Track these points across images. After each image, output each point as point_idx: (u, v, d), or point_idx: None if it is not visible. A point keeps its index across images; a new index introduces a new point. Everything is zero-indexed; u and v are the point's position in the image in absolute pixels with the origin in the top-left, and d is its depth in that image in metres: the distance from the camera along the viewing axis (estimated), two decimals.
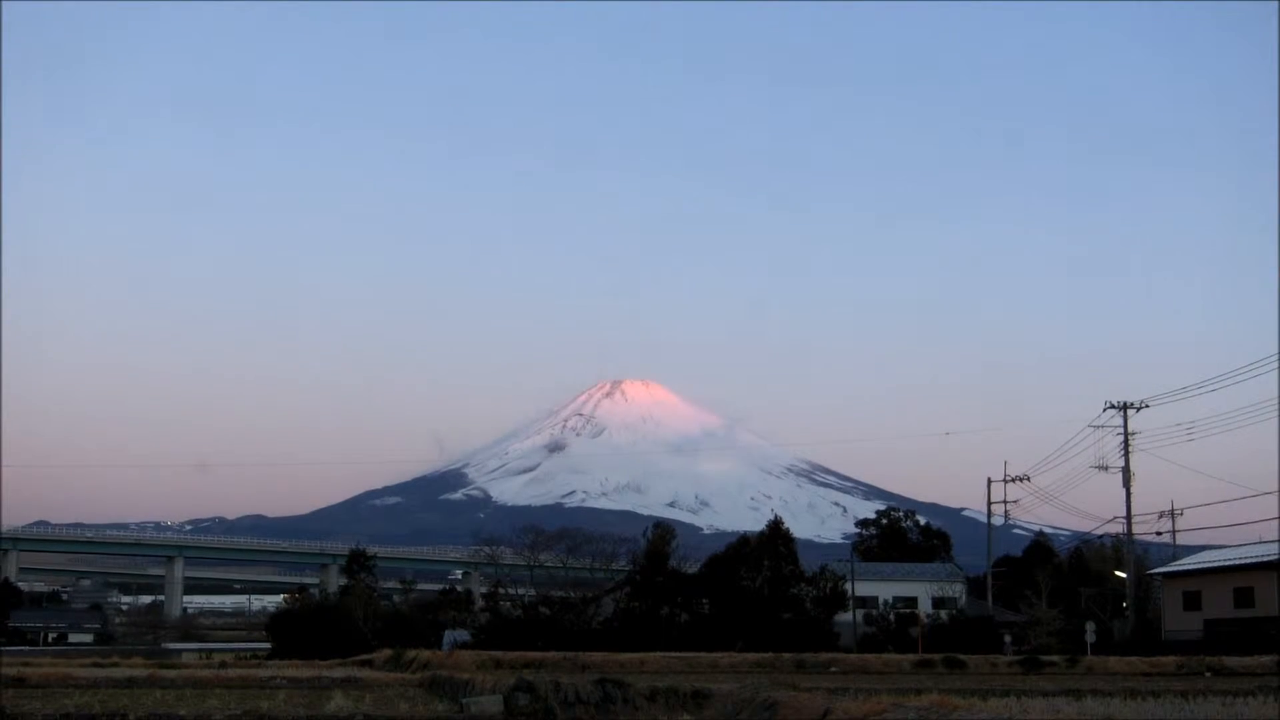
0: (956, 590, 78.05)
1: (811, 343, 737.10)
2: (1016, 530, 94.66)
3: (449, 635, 65.52)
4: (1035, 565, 76.30)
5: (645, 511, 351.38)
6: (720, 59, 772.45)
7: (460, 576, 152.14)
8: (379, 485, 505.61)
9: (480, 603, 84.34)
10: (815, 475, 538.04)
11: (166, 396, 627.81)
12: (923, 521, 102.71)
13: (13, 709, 22.69)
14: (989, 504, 77.12)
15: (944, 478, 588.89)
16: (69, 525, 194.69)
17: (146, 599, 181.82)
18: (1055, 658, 46.38)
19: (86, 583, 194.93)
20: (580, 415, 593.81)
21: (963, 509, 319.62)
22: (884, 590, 77.07)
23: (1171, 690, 25.28)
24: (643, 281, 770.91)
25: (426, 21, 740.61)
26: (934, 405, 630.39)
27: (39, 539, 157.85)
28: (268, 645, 76.85)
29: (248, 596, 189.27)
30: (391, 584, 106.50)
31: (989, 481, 77.41)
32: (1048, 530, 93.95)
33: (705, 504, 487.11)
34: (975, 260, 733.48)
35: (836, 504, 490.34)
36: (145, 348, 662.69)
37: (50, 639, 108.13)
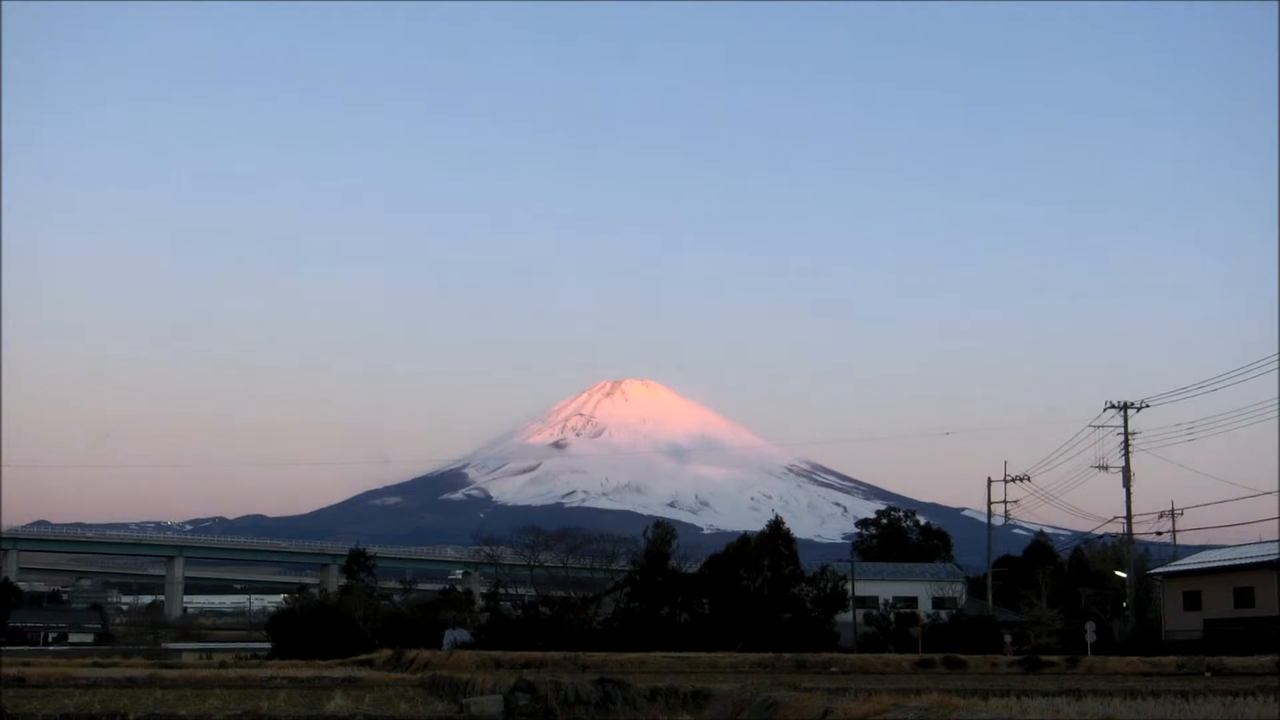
0: (956, 590, 78.05)
1: (813, 343, 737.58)
2: (1017, 530, 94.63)
3: (449, 635, 65.54)
4: (1035, 565, 76.27)
5: (645, 511, 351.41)
6: (717, 62, 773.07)
7: (460, 576, 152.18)
8: (379, 485, 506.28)
9: (480, 603, 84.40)
10: (815, 475, 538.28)
11: (166, 397, 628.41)
12: (923, 521, 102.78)
13: (13, 709, 22.69)
14: (989, 504, 77.12)
15: (944, 478, 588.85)
16: (69, 525, 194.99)
17: (146, 599, 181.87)
18: (1055, 658, 46.39)
19: (86, 583, 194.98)
20: (580, 415, 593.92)
21: (963, 509, 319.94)
22: (884, 590, 77.08)
23: (1171, 690, 25.27)
24: (643, 281, 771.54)
25: (423, 20, 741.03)
26: (934, 405, 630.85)
27: (39, 539, 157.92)
28: (268, 645, 76.87)
29: (248, 596, 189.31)
30: (391, 584, 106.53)
31: (989, 481, 77.44)
32: (1048, 530, 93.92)
33: (705, 504, 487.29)
34: (975, 260, 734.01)
35: (836, 504, 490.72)
36: (146, 347, 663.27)
37: (50, 639, 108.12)
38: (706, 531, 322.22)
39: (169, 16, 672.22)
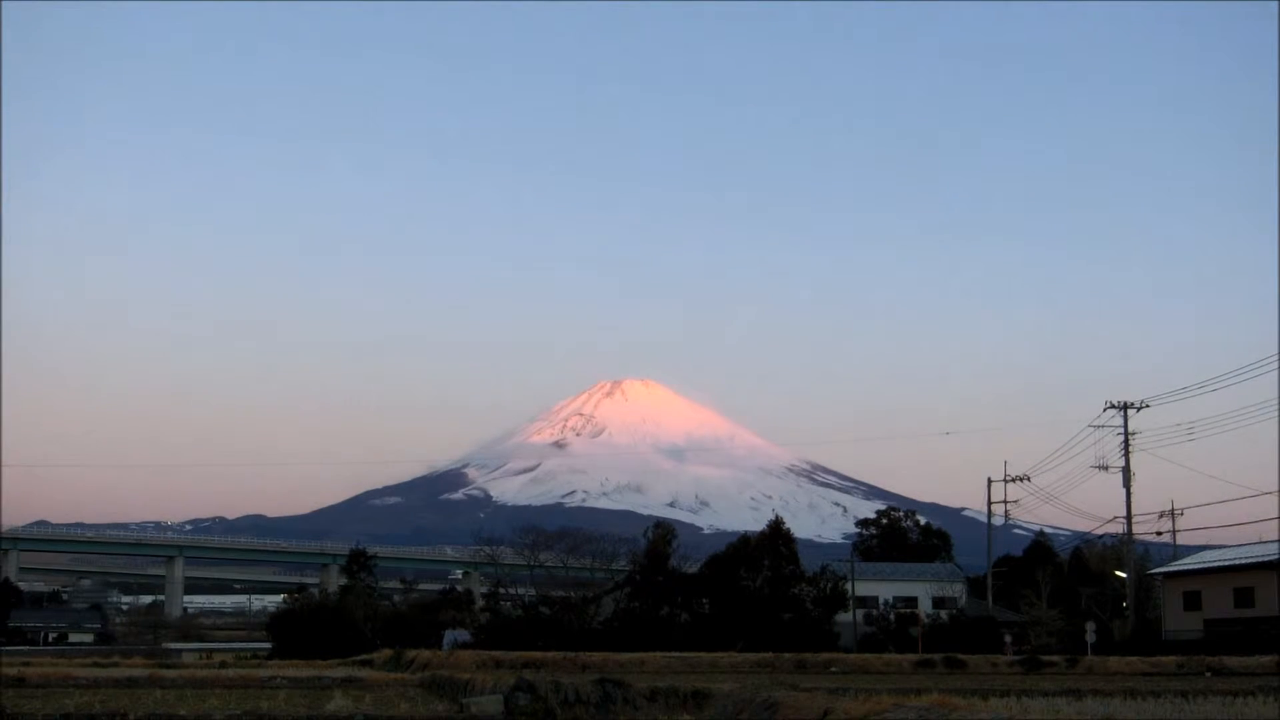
0: (957, 590, 78.05)
1: (812, 343, 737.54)
2: (1017, 530, 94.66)
3: (449, 635, 65.51)
4: (1035, 565, 76.30)
5: (645, 511, 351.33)
6: (715, 59, 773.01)
7: (460, 576, 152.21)
8: (379, 485, 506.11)
9: (480, 603, 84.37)
10: (815, 475, 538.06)
11: (167, 396, 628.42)
12: (923, 521, 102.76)
13: (13, 709, 22.68)
14: (989, 504, 77.13)
15: (944, 478, 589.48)
16: (69, 525, 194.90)
17: (146, 599, 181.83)
18: (1055, 658, 46.38)
19: (86, 583, 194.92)
20: (580, 415, 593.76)
21: (963, 509, 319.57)
22: (884, 590, 77.07)
23: (1171, 690, 25.28)
24: (643, 281, 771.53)
25: (419, 17, 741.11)
26: (934, 405, 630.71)
27: (39, 539, 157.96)
28: (268, 645, 76.85)
29: (248, 596, 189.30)
30: (391, 584, 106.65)
31: (989, 481, 77.47)
32: (1048, 530, 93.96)
33: (705, 504, 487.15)
34: (975, 260, 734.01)
35: (836, 504, 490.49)
36: (146, 348, 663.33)
37: (50, 639, 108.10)
38: (706, 531, 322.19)
39: (168, 16, 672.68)
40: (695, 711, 24.22)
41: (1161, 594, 67.15)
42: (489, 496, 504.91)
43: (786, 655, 44.98)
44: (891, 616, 70.55)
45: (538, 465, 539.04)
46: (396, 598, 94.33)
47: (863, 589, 73.04)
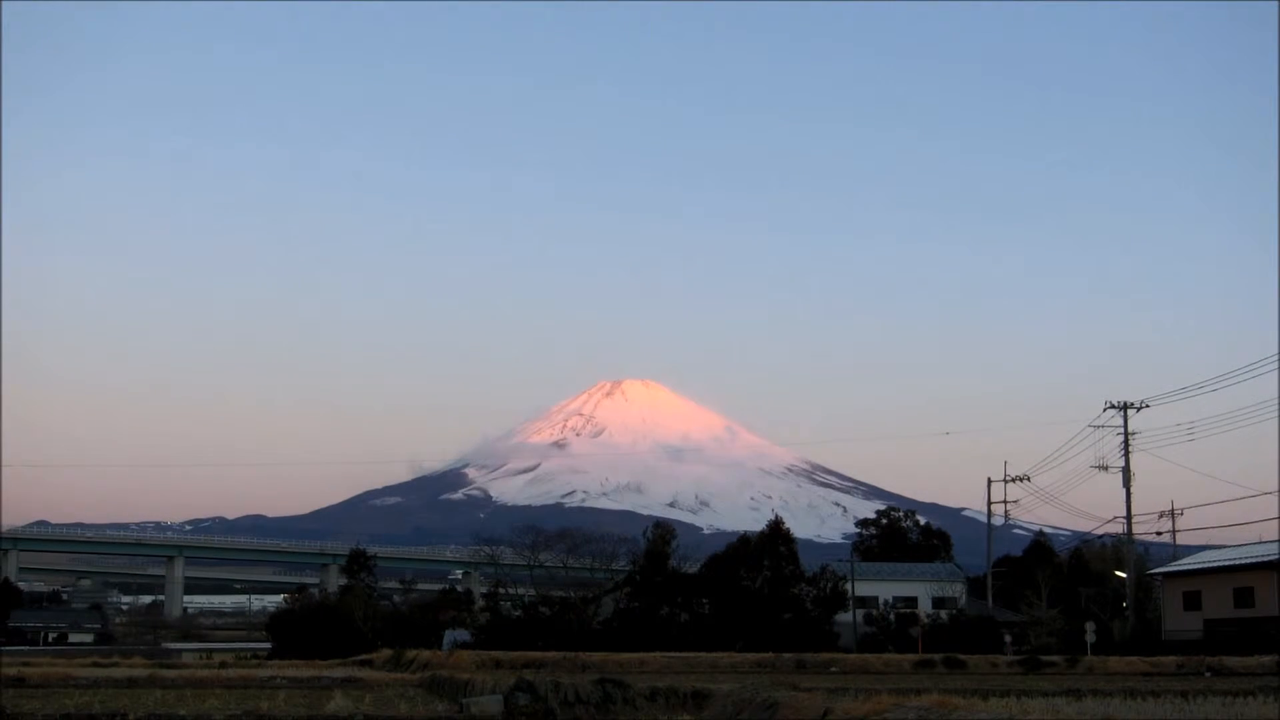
0: (956, 590, 78.04)
1: (812, 343, 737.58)
2: (1016, 530, 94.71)
3: (449, 635, 65.55)
4: (1035, 565, 76.27)
5: (645, 511, 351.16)
6: (718, 58, 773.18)
7: (460, 576, 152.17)
8: (378, 485, 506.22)
9: (480, 603, 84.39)
10: (815, 475, 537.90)
11: (167, 396, 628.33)
12: (923, 521, 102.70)
13: (13, 709, 22.69)
14: (989, 504, 77.18)
15: (944, 478, 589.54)
16: (69, 525, 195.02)
17: (146, 599, 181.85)
18: (1055, 658, 46.42)
19: (86, 583, 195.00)
20: (580, 415, 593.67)
21: (963, 509, 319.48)
22: (884, 590, 77.03)
23: (1171, 690, 25.30)
24: (643, 281, 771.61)
25: (418, 18, 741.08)
26: (934, 405, 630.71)
27: (39, 539, 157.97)
28: (268, 645, 76.90)
29: (248, 596, 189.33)
30: (391, 584, 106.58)
31: (989, 481, 77.59)
32: (1048, 530, 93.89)
33: (705, 504, 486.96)
34: (975, 260, 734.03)
35: (836, 504, 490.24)
36: (146, 348, 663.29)
37: (50, 639, 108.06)
38: (706, 531, 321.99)
39: (167, 16, 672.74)
40: (695, 711, 24.22)
41: (1161, 594, 67.15)
42: (489, 496, 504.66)
43: (786, 655, 45.05)
44: (891, 616, 70.53)
45: (538, 465, 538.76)
46: (396, 598, 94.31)
47: (862, 589, 73.05)
